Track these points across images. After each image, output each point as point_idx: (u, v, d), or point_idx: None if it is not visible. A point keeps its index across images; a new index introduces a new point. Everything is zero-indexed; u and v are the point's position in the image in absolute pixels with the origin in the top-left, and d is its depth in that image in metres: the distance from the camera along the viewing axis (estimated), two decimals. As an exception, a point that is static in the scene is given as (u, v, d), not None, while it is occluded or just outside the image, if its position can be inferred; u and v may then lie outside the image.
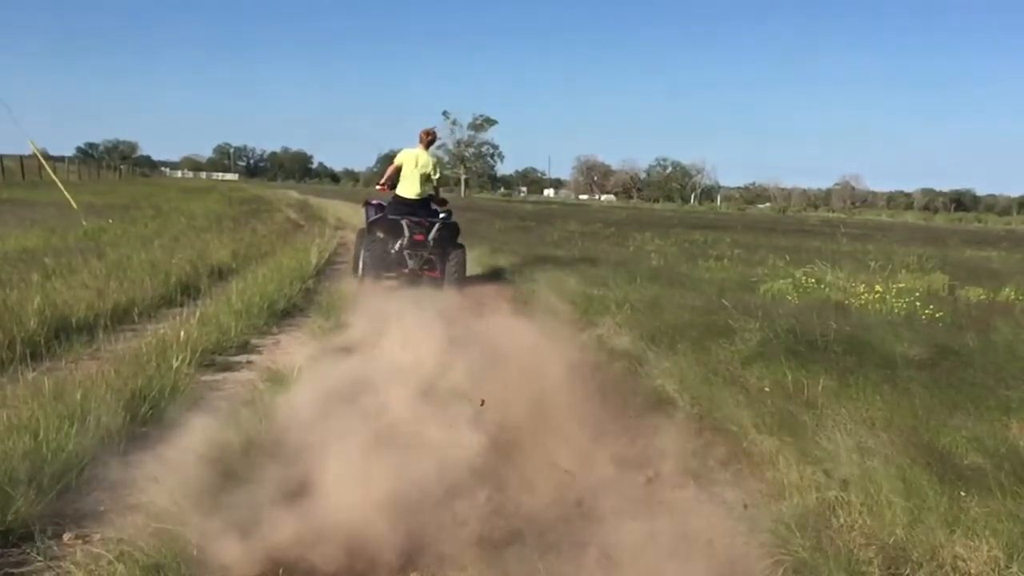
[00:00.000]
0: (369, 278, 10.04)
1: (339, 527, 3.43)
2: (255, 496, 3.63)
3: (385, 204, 10.72)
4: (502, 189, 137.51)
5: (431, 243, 10.16)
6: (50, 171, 21.46)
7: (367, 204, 11.19)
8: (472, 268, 12.06)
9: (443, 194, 11.27)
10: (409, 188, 10.36)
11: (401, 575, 3.38)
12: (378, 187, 10.91)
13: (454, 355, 5.77)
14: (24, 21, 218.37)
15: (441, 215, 10.50)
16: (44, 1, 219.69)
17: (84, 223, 15.22)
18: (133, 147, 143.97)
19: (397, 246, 10.08)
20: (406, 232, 10.06)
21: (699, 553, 3.72)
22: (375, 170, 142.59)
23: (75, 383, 4.80)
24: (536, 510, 4.05)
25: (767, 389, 5.65)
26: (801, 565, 3.34)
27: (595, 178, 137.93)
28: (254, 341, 7.26)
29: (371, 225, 10.59)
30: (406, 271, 10.22)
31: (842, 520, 3.78)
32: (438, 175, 10.67)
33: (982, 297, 11.89)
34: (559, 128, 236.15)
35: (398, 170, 10.42)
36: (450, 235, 10.44)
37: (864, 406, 5.20)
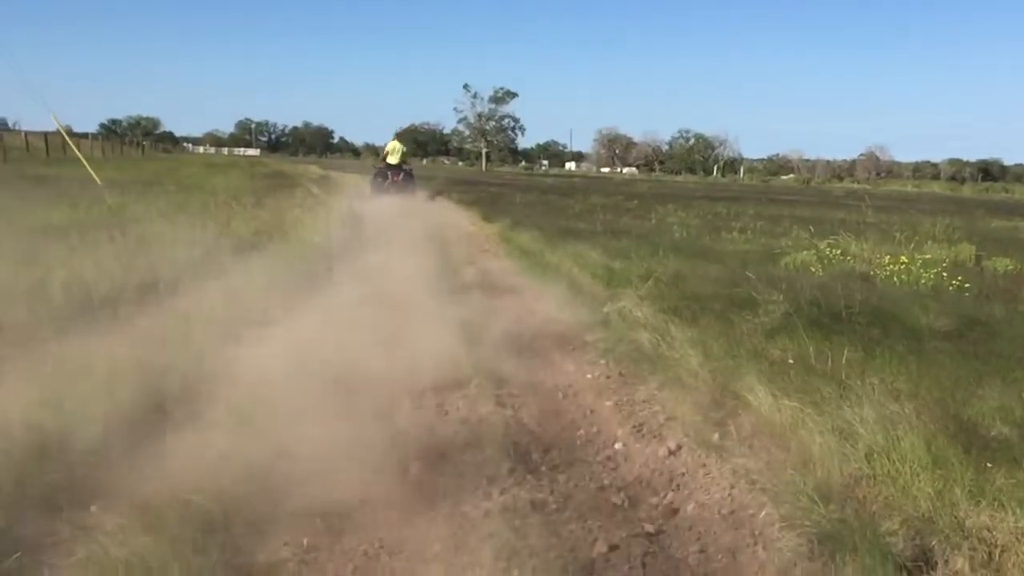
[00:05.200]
0: (375, 192, 21.46)
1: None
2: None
3: (382, 167, 22.07)
4: (523, 162, 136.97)
5: (400, 180, 21.50)
6: (74, 147, 21.62)
7: (375, 167, 23.02)
8: (491, 243, 13.96)
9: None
10: (391, 160, 21.78)
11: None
12: (380, 163, 22.50)
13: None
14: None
15: (405, 169, 21.93)
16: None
17: (107, 199, 15.32)
18: (155, 123, 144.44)
19: (387, 181, 21.46)
20: (389, 176, 21.55)
21: (722, 524, 3.73)
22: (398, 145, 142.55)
23: (100, 358, 4.85)
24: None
25: (791, 361, 5.62)
26: (825, 536, 3.34)
27: (617, 151, 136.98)
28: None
29: (376, 175, 22.22)
30: (387, 189, 21.28)
31: (867, 491, 3.77)
32: (405, 154, 22.26)
33: (1009, 268, 11.73)
34: (581, 101, 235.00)
35: (386, 153, 22.06)
36: (408, 177, 21.93)
37: (889, 377, 5.16)
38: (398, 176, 21.10)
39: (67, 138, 22.12)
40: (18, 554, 3.05)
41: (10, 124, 63.35)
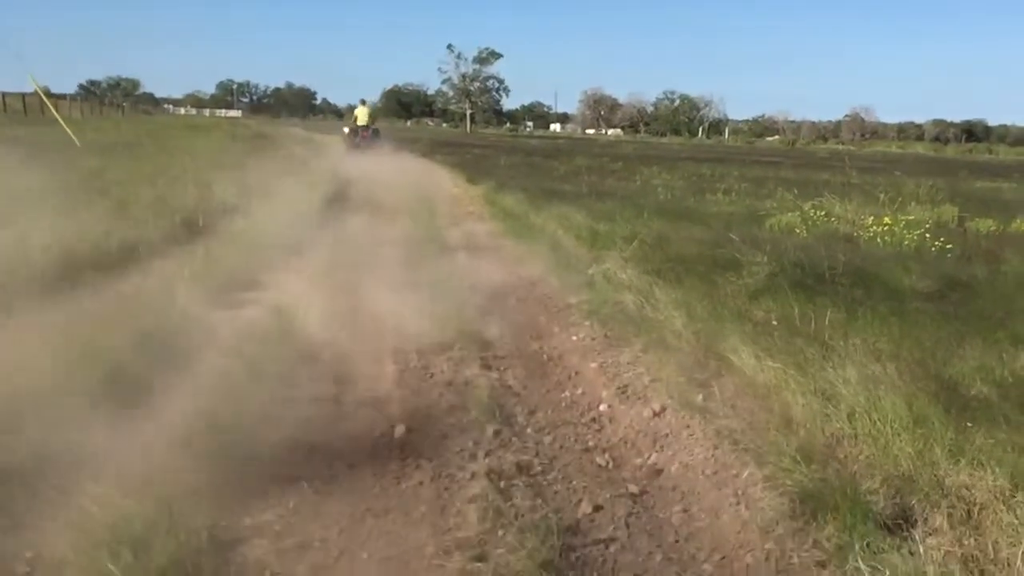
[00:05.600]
0: (347, 147, 25.35)
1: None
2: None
3: (353, 127, 25.91)
4: (508, 124, 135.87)
5: (369, 136, 25.37)
6: (52, 108, 21.34)
7: (348, 128, 26.41)
8: (475, 205, 14.24)
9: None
10: (360, 121, 25.59)
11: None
12: (352, 124, 26.09)
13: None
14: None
15: (372, 129, 25.77)
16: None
17: (87, 161, 15.13)
18: (136, 84, 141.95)
19: (357, 137, 25.33)
20: (359, 134, 25.36)
21: (706, 484, 3.76)
22: (379, 105, 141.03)
23: (81, 321, 4.81)
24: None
25: (774, 322, 5.64)
26: (807, 496, 3.37)
27: (602, 112, 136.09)
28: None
29: (349, 133, 26.04)
30: (358, 144, 25.08)
31: (848, 451, 3.80)
32: (371, 116, 26.29)
33: (992, 229, 11.80)
34: (566, 62, 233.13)
35: (356, 116, 25.84)
36: (374, 134, 25.64)
37: (872, 338, 5.20)
38: (367, 133, 25.31)
39: (45, 99, 21.82)
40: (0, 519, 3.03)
41: (-14, 85, 62.43)
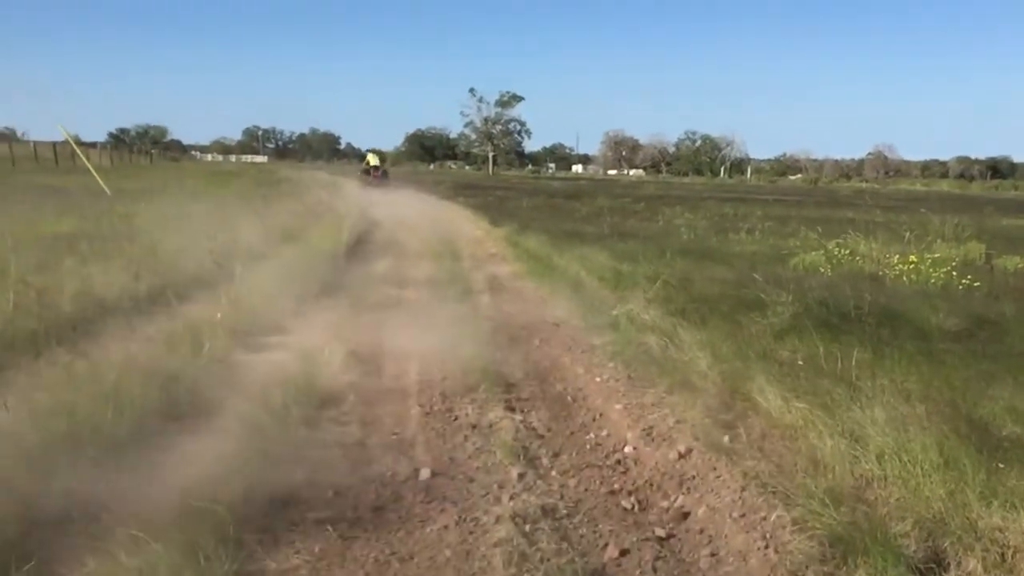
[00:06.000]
0: (363, 185, 31.63)
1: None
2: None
3: (366, 167, 34.17)
4: (530, 166, 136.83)
5: (379, 176, 32.80)
6: (82, 157, 21.76)
7: (362, 169, 35.01)
8: (498, 247, 14.21)
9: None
10: (371, 162, 34.07)
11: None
12: (364, 166, 34.73)
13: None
14: (59, 10, 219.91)
15: (382, 170, 33.94)
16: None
17: (116, 208, 15.39)
18: (163, 132, 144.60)
19: (369, 177, 32.69)
20: (371, 173, 33.03)
21: (733, 527, 3.72)
22: (402, 149, 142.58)
23: (110, 366, 4.87)
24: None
25: (800, 362, 5.61)
26: (837, 539, 3.33)
27: (623, 153, 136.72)
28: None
29: (362, 172, 34.25)
30: (370, 181, 31.91)
31: (878, 493, 3.76)
32: (381, 160, 35.52)
33: (1020, 266, 11.66)
34: (587, 104, 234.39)
35: (367, 160, 34.58)
36: (384, 175, 33.61)
37: (900, 378, 5.15)
38: (377, 173, 33.74)
39: (75, 147, 22.26)
40: (32, 563, 3.05)
41: (18, 134, 63.82)
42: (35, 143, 41.56)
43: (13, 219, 12.74)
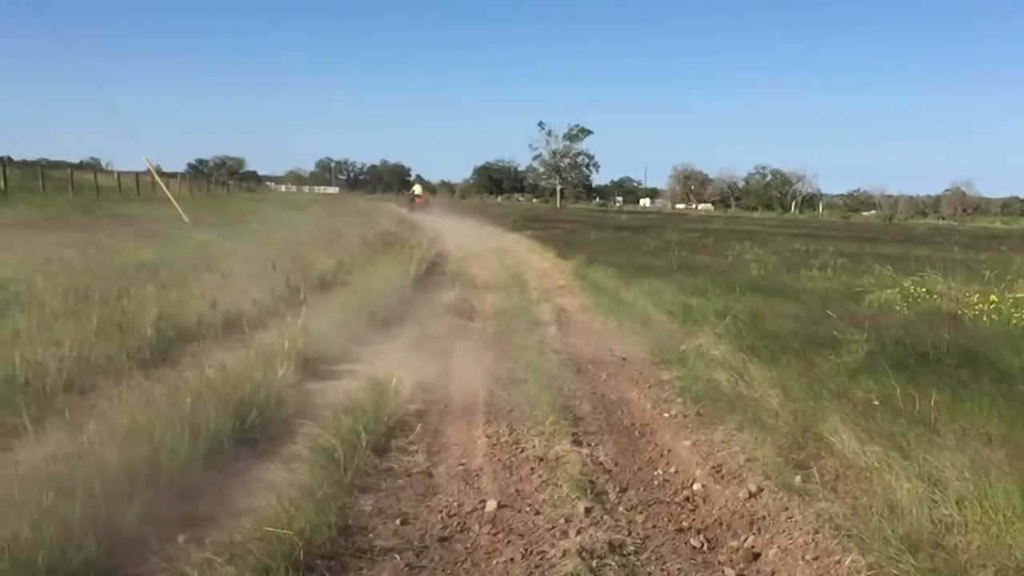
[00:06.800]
0: (407, 210, 41.57)
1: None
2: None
3: (410, 195, 48.66)
4: (597, 199, 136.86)
5: (422, 204, 43.94)
6: (163, 186, 22.53)
7: (408, 197, 49.14)
8: (566, 279, 14.35)
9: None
10: (416, 191, 48.15)
11: None
12: (410, 195, 49.48)
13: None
14: (139, 44, 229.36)
15: (425, 198, 47.22)
16: (162, 26, 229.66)
17: (195, 237, 15.87)
18: (240, 163, 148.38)
19: (413, 203, 43.76)
20: (414, 201, 44.67)
21: (806, 570, 3.63)
22: (471, 181, 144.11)
23: (187, 391, 5.00)
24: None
25: (876, 402, 5.47)
26: (914, 585, 3.23)
27: (692, 187, 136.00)
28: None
29: (408, 200, 46.62)
30: (413, 208, 41.87)
31: (957, 539, 3.63)
32: (424, 191, 52.95)
33: (1107, 307, 11.23)
34: (656, 137, 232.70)
35: (413, 190, 49.49)
36: (426, 203, 45.14)
37: (980, 421, 4.99)
38: (421, 201, 43.20)
39: (157, 177, 23.10)
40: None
41: (103, 164, 66.44)
42: (119, 173, 43.14)
43: (97, 247, 13.25)
